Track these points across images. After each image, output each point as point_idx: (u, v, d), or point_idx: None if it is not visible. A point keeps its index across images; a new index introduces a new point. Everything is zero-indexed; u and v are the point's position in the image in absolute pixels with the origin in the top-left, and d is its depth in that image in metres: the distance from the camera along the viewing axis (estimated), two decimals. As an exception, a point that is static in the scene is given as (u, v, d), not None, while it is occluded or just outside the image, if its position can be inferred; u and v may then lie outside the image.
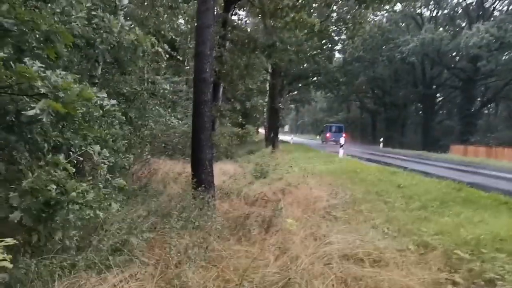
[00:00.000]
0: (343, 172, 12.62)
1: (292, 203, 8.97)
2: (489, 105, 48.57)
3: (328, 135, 44.88)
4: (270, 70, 28.34)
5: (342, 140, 20.47)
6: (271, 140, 30.59)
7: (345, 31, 26.38)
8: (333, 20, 22.46)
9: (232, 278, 4.60)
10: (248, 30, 12.31)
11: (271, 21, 12.11)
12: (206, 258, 5.04)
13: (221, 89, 12.51)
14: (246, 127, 11.32)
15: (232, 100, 13.05)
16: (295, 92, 49.58)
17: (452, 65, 42.76)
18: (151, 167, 12.87)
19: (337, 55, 45.34)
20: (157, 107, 7.51)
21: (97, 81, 6.51)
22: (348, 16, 19.31)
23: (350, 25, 18.33)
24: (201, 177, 8.44)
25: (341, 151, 19.58)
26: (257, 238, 6.51)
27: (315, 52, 34.82)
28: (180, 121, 8.58)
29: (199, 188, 8.19)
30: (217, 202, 8.60)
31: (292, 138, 46.27)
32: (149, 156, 8.66)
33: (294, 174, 13.48)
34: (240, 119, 15.06)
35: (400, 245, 4.94)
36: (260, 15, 12.11)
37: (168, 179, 11.46)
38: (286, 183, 11.82)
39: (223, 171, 16.63)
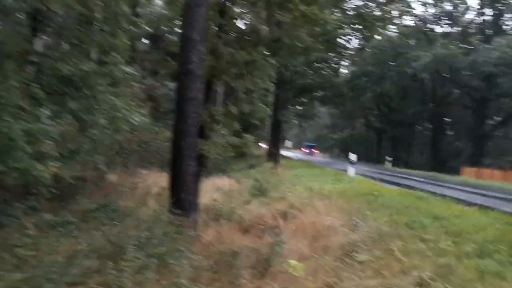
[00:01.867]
0: (357, 194, 10.66)
1: (296, 233, 7.07)
2: (499, 127, 46.47)
3: (305, 149, 64.26)
4: (275, 80, 26.69)
5: (352, 157, 18.50)
6: (273, 154, 28.66)
7: (359, 35, 24.98)
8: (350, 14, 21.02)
9: None
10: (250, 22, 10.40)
11: (278, 15, 10.29)
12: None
13: (216, 90, 10.67)
14: (245, 137, 9.52)
15: (228, 103, 11.20)
16: (299, 107, 47.92)
17: (465, 84, 40.77)
18: (129, 179, 10.98)
19: (343, 70, 43.81)
20: (111, 97, 5.46)
21: (35, 60, 4.65)
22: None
23: (368, 23, 16.61)
24: (180, 196, 6.55)
25: (351, 169, 17.61)
26: (248, 288, 4.63)
27: (320, 65, 33.24)
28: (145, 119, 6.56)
29: (178, 211, 6.30)
30: (200, 229, 6.70)
31: (294, 154, 44.40)
32: (100, 166, 6.67)
33: (298, 193, 11.56)
34: (239, 128, 13.20)
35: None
36: (265, 6, 10.25)
37: (148, 195, 9.58)
38: (289, 204, 9.93)
39: (216, 186, 14.72)
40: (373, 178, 17.84)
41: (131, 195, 9.33)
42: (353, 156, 18.32)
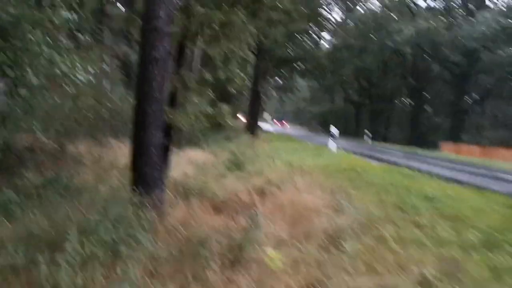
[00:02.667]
0: (340, 170, 9.98)
1: (274, 213, 6.34)
2: (477, 103, 46.30)
3: (276, 122, 67.18)
4: (254, 50, 25.89)
5: (333, 130, 17.64)
6: (251, 127, 27.92)
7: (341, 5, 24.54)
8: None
9: None
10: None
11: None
12: None
13: (192, 56, 9.71)
14: (220, 106, 8.67)
15: (203, 69, 10.13)
16: (279, 80, 47.20)
17: (446, 59, 40.27)
18: (94, 151, 10.07)
19: (325, 43, 43.22)
20: (44, 47, 4.39)
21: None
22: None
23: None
24: (143, 171, 5.72)
25: (332, 143, 16.92)
26: (216, 282, 3.90)
27: (301, 36, 32.35)
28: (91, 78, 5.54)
29: (140, 188, 5.50)
30: (166, 209, 5.90)
31: (273, 126, 43.64)
32: (39, 135, 5.75)
33: (277, 168, 10.86)
34: (213, 97, 12.26)
35: None
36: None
37: (112, 169, 8.73)
38: (267, 180, 9.21)
39: (190, 159, 13.93)
40: (353, 152, 17.27)
41: (92, 168, 8.47)
42: (334, 130, 17.57)
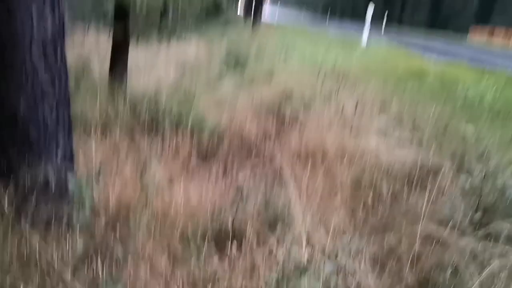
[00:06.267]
0: (403, 74, 6.40)
1: (310, 182, 3.00)
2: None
3: None
4: None
5: (369, 12, 12.88)
6: (254, 9, 23.36)
7: None
8: None
9: None
10: None
11: None
12: None
13: None
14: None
15: None
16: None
17: None
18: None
19: None
20: None
21: None
22: None
23: None
24: (12, 99, 2.33)
25: (365, 31, 12.80)
26: None
27: None
28: None
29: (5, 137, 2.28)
30: (74, 176, 2.58)
31: (277, 11, 38.80)
32: None
33: (296, 70, 7.40)
34: None
35: None
36: None
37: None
38: (283, 90, 5.81)
39: (175, 57, 10.41)
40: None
41: None
42: (370, 11, 12.73)
